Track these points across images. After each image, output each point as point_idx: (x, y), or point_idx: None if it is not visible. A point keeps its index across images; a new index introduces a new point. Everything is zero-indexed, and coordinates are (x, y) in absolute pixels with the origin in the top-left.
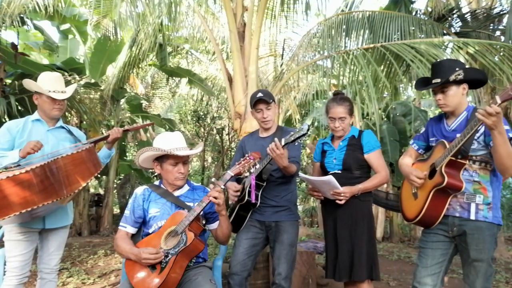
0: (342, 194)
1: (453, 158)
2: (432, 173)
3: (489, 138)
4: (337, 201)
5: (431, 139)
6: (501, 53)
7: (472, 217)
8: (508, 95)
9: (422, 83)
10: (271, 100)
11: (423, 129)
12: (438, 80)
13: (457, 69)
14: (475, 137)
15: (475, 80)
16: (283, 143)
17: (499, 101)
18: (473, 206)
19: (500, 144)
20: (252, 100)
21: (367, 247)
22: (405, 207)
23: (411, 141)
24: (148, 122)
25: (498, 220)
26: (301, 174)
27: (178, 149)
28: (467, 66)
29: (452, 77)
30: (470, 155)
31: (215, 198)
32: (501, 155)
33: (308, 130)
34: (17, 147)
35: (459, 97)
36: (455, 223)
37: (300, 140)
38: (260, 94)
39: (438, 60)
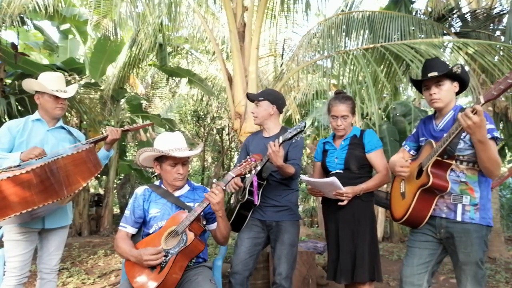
0: (345, 195)
1: (439, 158)
2: (420, 173)
3: None
4: (339, 202)
5: (421, 139)
6: (501, 54)
7: (458, 218)
8: (492, 95)
9: (416, 80)
10: (260, 98)
11: (414, 130)
12: (435, 73)
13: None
14: (461, 137)
15: (464, 81)
16: (280, 141)
17: (482, 101)
18: (459, 207)
19: (479, 150)
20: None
21: (369, 248)
22: (393, 207)
23: (403, 142)
24: (147, 122)
25: (487, 221)
26: (302, 176)
27: (178, 149)
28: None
29: (454, 69)
30: (457, 155)
31: (210, 195)
32: (482, 160)
33: (304, 127)
34: (17, 147)
35: (451, 93)
36: (442, 224)
37: (297, 137)
38: (248, 93)
39: (430, 58)
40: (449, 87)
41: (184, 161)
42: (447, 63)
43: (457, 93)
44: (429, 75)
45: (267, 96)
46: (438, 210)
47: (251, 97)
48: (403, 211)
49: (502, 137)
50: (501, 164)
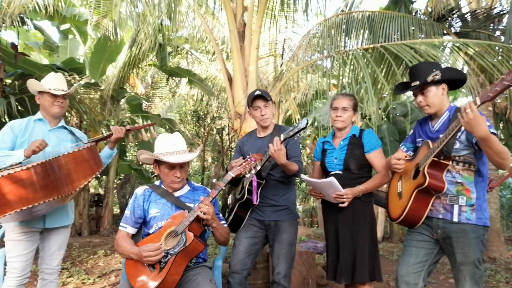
0: (345, 196)
1: (436, 159)
2: (416, 173)
3: (472, 136)
4: (340, 204)
5: (417, 140)
6: (500, 54)
7: (455, 219)
8: (487, 97)
9: (402, 87)
10: (269, 98)
11: (411, 131)
12: (417, 83)
13: (434, 70)
14: (457, 137)
15: (454, 80)
16: (282, 138)
17: (478, 102)
18: (456, 207)
19: (484, 146)
20: (250, 97)
21: (369, 248)
22: (390, 207)
23: (401, 144)
24: (149, 122)
25: (483, 221)
26: (303, 176)
27: (175, 153)
28: (443, 66)
29: (430, 78)
30: (453, 155)
31: (204, 213)
32: (490, 155)
33: (307, 124)
34: (18, 146)
35: (439, 97)
36: (439, 225)
37: (299, 135)
38: (258, 92)
39: (414, 64)
40: (434, 93)
41: (182, 164)
42: (444, 63)
43: (454, 88)
44: (412, 84)
45: (270, 97)
46: (435, 211)
47: (265, 96)
48: (400, 211)
49: (497, 132)
50: (509, 153)
